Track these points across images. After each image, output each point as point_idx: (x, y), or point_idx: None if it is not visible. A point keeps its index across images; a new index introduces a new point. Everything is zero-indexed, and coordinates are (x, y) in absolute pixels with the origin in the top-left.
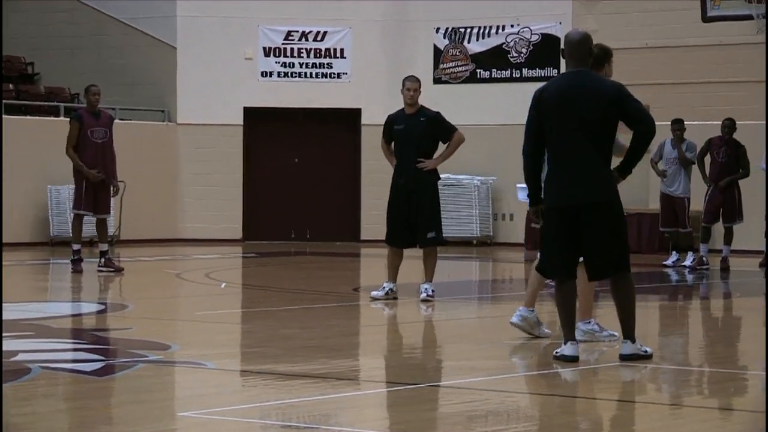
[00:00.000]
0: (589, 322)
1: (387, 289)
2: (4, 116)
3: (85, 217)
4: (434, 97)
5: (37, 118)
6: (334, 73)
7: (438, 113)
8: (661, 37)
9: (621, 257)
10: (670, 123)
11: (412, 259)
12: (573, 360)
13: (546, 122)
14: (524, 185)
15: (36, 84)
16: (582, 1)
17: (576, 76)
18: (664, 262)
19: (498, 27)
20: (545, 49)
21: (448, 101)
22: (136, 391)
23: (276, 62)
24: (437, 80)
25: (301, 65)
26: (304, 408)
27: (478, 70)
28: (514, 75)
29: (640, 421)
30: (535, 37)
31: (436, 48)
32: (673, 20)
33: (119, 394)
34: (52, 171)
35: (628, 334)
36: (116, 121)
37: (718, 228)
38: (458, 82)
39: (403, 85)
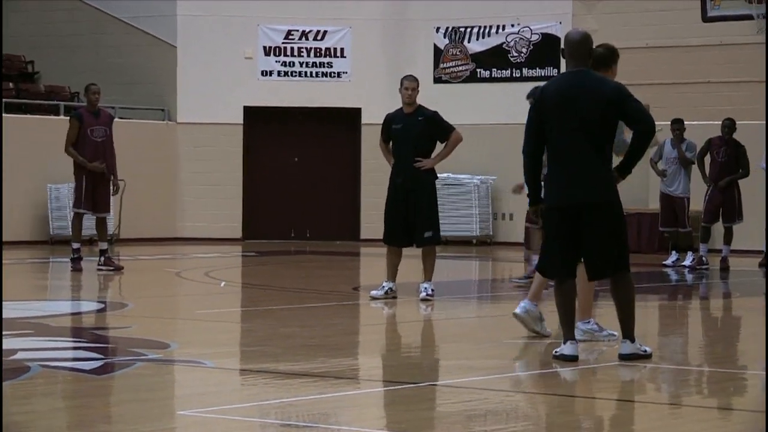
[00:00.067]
0: (589, 322)
1: (386, 288)
2: (3, 115)
3: (85, 216)
4: (434, 97)
5: (37, 116)
6: (334, 73)
7: (436, 113)
8: (661, 37)
9: (621, 257)
10: (669, 123)
11: (412, 258)
12: (572, 359)
13: (546, 122)
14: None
15: (36, 83)
16: (582, 0)
17: (576, 75)
18: (664, 262)
19: (498, 26)
20: (545, 49)
21: (449, 101)
22: (135, 389)
23: (276, 61)
24: (437, 80)
25: (301, 64)
26: (303, 407)
27: (478, 70)
28: (514, 75)
29: (639, 421)
30: (535, 37)
31: (436, 47)
32: (673, 20)
33: (119, 392)
34: (52, 170)
35: (628, 333)
36: (116, 119)
37: (718, 228)
38: (458, 82)
39: (402, 84)
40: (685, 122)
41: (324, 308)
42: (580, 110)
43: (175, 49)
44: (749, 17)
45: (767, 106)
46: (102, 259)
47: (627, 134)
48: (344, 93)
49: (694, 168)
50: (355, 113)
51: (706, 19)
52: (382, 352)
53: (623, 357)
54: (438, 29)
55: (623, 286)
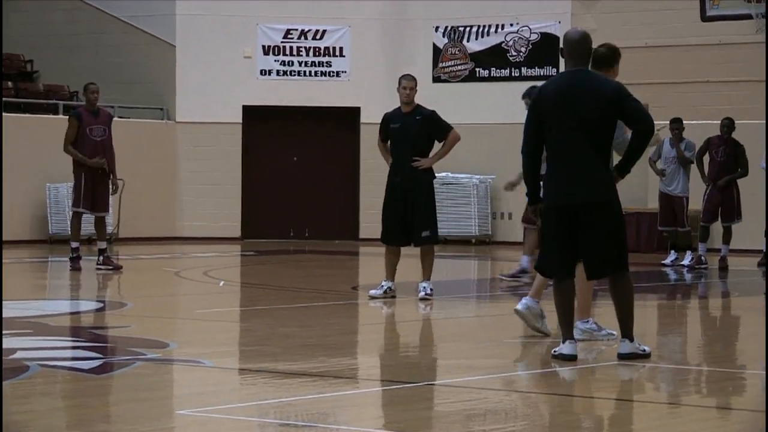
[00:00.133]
0: (588, 321)
1: (385, 287)
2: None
3: (84, 215)
4: (433, 96)
5: (36, 116)
6: (333, 72)
7: (433, 112)
8: (660, 37)
9: (620, 257)
10: (668, 122)
11: (411, 257)
12: (571, 359)
13: (545, 121)
14: None
15: (35, 82)
16: (581, 0)
17: (575, 75)
18: (663, 262)
19: (497, 26)
20: (544, 48)
21: (448, 100)
22: (134, 389)
23: (275, 61)
24: (436, 79)
25: (300, 64)
26: (302, 406)
27: (477, 69)
28: (513, 74)
29: (638, 420)
30: (534, 36)
31: (435, 47)
32: (672, 19)
33: (117, 392)
34: (51, 169)
35: (627, 333)
36: (115, 119)
37: (717, 227)
38: (457, 81)
39: (400, 83)
40: (684, 121)
41: (323, 308)
42: (579, 110)
43: (174, 49)
44: (748, 17)
45: (767, 105)
46: (101, 258)
47: (628, 133)
48: (343, 92)
49: (693, 167)
50: (354, 112)
51: (705, 18)
52: (381, 352)
53: (622, 356)
54: (437, 28)
55: (622, 286)
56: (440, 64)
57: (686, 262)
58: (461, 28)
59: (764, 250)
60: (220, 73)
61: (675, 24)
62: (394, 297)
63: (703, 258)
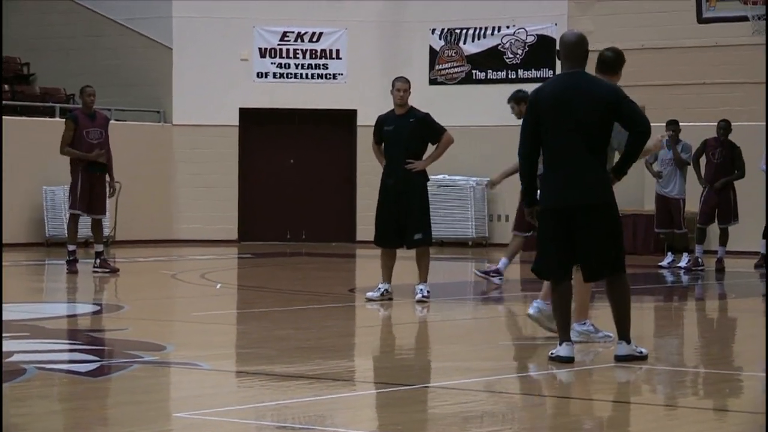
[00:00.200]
0: (585, 323)
1: (382, 290)
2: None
3: (81, 218)
4: (430, 98)
5: (33, 118)
6: (329, 74)
7: (427, 114)
8: (657, 38)
9: (617, 258)
10: (665, 124)
11: (407, 260)
12: (568, 361)
13: (541, 124)
14: None
15: (31, 85)
16: (578, 2)
17: (571, 77)
18: (660, 264)
19: (494, 28)
20: (541, 50)
21: (444, 102)
22: (131, 392)
23: (271, 63)
24: (433, 81)
25: (296, 66)
26: (299, 409)
27: (473, 71)
28: (509, 76)
29: (635, 422)
30: (530, 38)
31: (431, 49)
32: (669, 21)
33: (115, 394)
34: (48, 172)
35: (624, 335)
36: (112, 121)
37: (714, 229)
38: (454, 83)
39: (393, 85)
40: (681, 123)
41: (319, 310)
42: (576, 112)
43: (171, 51)
44: (744, 18)
45: (767, 107)
46: (98, 261)
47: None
48: (340, 95)
49: (690, 169)
50: (350, 115)
51: (701, 20)
52: (378, 354)
53: (619, 358)
54: (433, 31)
55: (619, 288)
56: (437, 67)
57: (683, 264)
58: (458, 31)
59: (762, 252)
60: (217, 76)
61: (671, 26)
62: (390, 299)
63: (699, 260)
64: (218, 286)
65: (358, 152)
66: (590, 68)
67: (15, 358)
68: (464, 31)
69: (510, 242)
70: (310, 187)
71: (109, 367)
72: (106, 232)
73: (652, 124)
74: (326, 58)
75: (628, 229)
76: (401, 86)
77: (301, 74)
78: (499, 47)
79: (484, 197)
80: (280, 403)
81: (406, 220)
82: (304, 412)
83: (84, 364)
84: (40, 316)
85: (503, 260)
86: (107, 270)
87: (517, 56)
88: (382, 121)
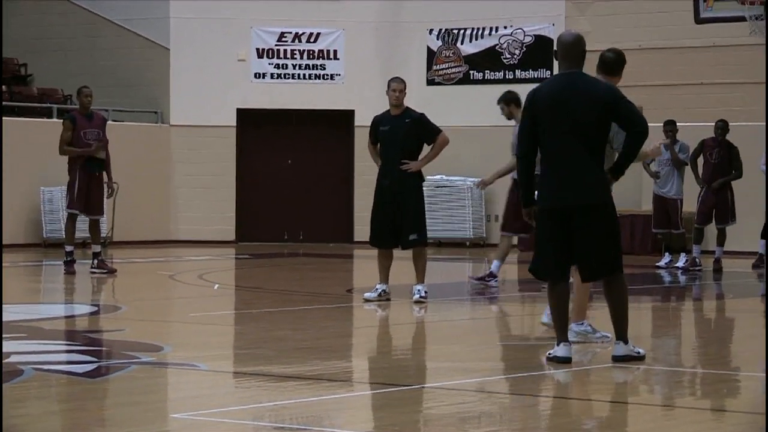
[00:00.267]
0: (582, 324)
1: (380, 290)
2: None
3: (78, 219)
4: (427, 99)
5: (30, 119)
6: (327, 75)
7: (422, 114)
8: (654, 39)
9: (615, 259)
10: (662, 124)
11: (405, 260)
12: (566, 361)
13: (539, 124)
14: None
15: (29, 85)
16: (575, 2)
17: (568, 77)
18: (657, 264)
19: (491, 28)
20: (538, 51)
21: (441, 102)
22: (129, 392)
23: (269, 64)
24: (430, 82)
25: (294, 67)
26: (296, 409)
27: (471, 72)
28: (507, 76)
29: (632, 423)
30: (528, 39)
31: (429, 49)
32: (666, 21)
33: (112, 395)
34: (45, 173)
35: (621, 335)
36: (109, 122)
37: (711, 229)
38: (451, 84)
39: (389, 86)
40: (678, 124)
41: (317, 311)
42: (573, 112)
43: (168, 52)
44: (742, 19)
45: (767, 107)
46: (95, 261)
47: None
48: (337, 95)
49: (687, 169)
50: (348, 115)
51: (698, 20)
52: (376, 355)
53: (617, 359)
54: (431, 31)
55: (616, 288)
56: (434, 67)
57: (680, 264)
58: (455, 31)
59: (760, 252)
60: (214, 76)
61: (669, 26)
62: (388, 300)
63: (697, 260)
64: (216, 286)
65: (356, 153)
66: (588, 68)
67: (12, 359)
68: (462, 31)
69: (499, 243)
70: (307, 188)
71: (107, 367)
72: (104, 232)
73: (649, 125)
74: (324, 58)
75: (626, 229)
76: (397, 87)
77: (299, 75)
78: (497, 47)
79: (481, 198)
80: (278, 404)
81: (401, 221)
82: (302, 412)
83: (81, 365)
84: (38, 317)
85: (495, 262)
86: (105, 271)
87: (515, 56)
88: (377, 122)
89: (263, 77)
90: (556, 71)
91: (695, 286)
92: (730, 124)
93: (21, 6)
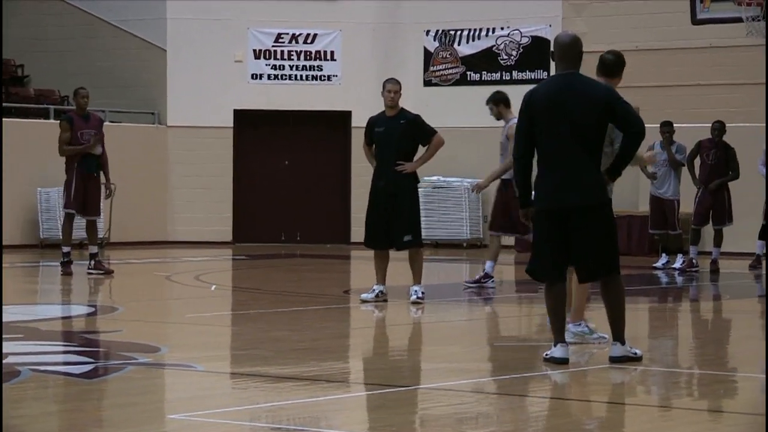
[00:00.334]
0: (580, 324)
1: (377, 291)
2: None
3: (75, 220)
4: (424, 100)
5: (27, 120)
6: (324, 76)
7: (418, 116)
8: (651, 40)
9: (612, 259)
10: (659, 125)
11: (402, 261)
12: (563, 362)
13: (536, 125)
14: None
15: (25, 86)
16: (572, 3)
17: (565, 78)
18: (654, 265)
19: (488, 29)
20: (535, 52)
21: (439, 104)
22: (126, 393)
23: (266, 64)
24: (427, 83)
25: (291, 68)
26: (294, 410)
27: (468, 73)
28: (504, 77)
29: (629, 423)
30: (525, 40)
31: (426, 50)
32: (663, 23)
33: (109, 396)
34: (42, 173)
35: (618, 336)
36: (106, 123)
37: (708, 230)
38: (448, 85)
39: (384, 87)
40: (675, 125)
41: (314, 311)
42: (570, 113)
43: (165, 53)
44: (738, 20)
45: (767, 109)
46: (92, 262)
47: None
48: (334, 96)
49: (684, 170)
50: (345, 116)
51: (695, 21)
52: (373, 355)
53: (614, 359)
54: (428, 32)
55: (613, 289)
56: (431, 68)
57: (677, 265)
58: (452, 32)
59: (757, 253)
60: (211, 77)
61: (665, 27)
62: (385, 301)
63: (694, 261)
64: (213, 287)
65: (353, 154)
66: (585, 70)
67: (9, 360)
68: (458, 32)
69: (489, 244)
70: (304, 189)
71: (104, 368)
72: (101, 233)
73: (646, 126)
74: (321, 59)
75: (623, 230)
76: (392, 88)
77: (296, 76)
78: (494, 48)
79: (478, 199)
80: (275, 405)
81: (395, 222)
82: (299, 413)
83: (78, 366)
84: (35, 318)
85: (488, 263)
86: (102, 272)
87: (512, 57)
88: (373, 123)
89: (260, 78)
90: (553, 72)
91: (692, 287)
92: (727, 125)
93: (18, 7)
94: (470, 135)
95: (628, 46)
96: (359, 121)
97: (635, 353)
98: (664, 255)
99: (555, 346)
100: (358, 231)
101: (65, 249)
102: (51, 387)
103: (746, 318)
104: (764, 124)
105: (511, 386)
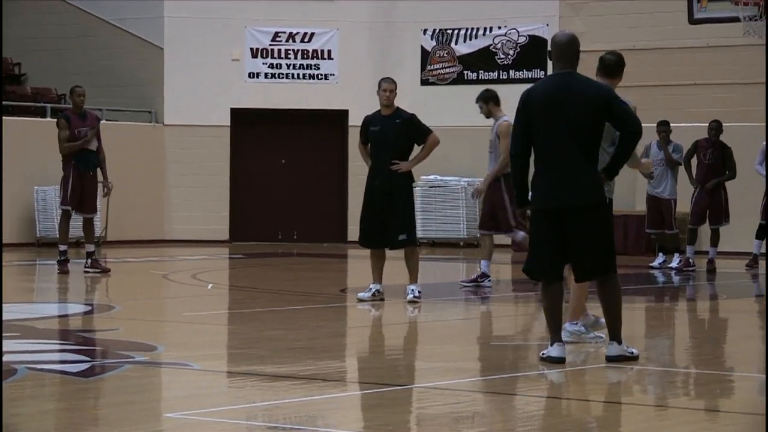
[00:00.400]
0: (576, 324)
1: (373, 290)
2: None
3: (72, 218)
4: (421, 99)
5: (24, 118)
6: (321, 75)
7: (413, 115)
8: (648, 39)
9: (609, 259)
10: (656, 125)
11: (399, 260)
12: (559, 361)
13: (533, 124)
14: None
15: (23, 85)
16: (569, 2)
17: (562, 78)
18: (651, 264)
19: (485, 28)
20: (532, 51)
21: (436, 103)
22: (122, 392)
23: (263, 63)
24: (424, 82)
25: (288, 66)
26: (290, 409)
27: (465, 72)
28: (501, 77)
29: (626, 423)
30: (522, 39)
31: (423, 49)
32: (660, 22)
33: (106, 395)
34: (39, 172)
35: (615, 335)
36: (103, 122)
37: (705, 230)
38: (445, 84)
39: (379, 86)
40: (672, 124)
41: (311, 310)
42: (567, 113)
43: (162, 51)
44: (736, 19)
45: (767, 109)
46: (89, 261)
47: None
48: (331, 95)
49: (681, 170)
50: (342, 115)
51: (692, 21)
52: (369, 355)
53: (610, 359)
54: (425, 31)
55: (610, 288)
56: (428, 67)
57: (674, 264)
58: (449, 31)
59: (754, 252)
60: (208, 76)
61: (663, 26)
62: (382, 300)
63: (690, 260)
64: (209, 286)
65: (350, 153)
66: (582, 69)
67: (6, 358)
68: (456, 31)
69: (481, 244)
70: (301, 188)
71: (101, 367)
72: (98, 232)
73: (643, 125)
74: (318, 58)
75: (619, 229)
76: (387, 87)
77: (293, 74)
78: (491, 48)
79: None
80: (271, 404)
81: (390, 221)
82: (295, 412)
83: (75, 365)
84: (31, 316)
85: (484, 262)
86: (98, 270)
87: (509, 57)
88: (368, 122)
89: (257, 77)
90: (550, 71)
91: (689, 286)
92: (723, 124)
93: (15, 5)
94: (467, 134)
95: (626, 45)
96: (356, 120)
97: (632, 352)
98: (660, 254)
99: (552, 345)
100: (354, 230)
101: (62, 247)
102: (48, 385)
103: (743, 317)
104: (762, 124)
105: (507, 385)
